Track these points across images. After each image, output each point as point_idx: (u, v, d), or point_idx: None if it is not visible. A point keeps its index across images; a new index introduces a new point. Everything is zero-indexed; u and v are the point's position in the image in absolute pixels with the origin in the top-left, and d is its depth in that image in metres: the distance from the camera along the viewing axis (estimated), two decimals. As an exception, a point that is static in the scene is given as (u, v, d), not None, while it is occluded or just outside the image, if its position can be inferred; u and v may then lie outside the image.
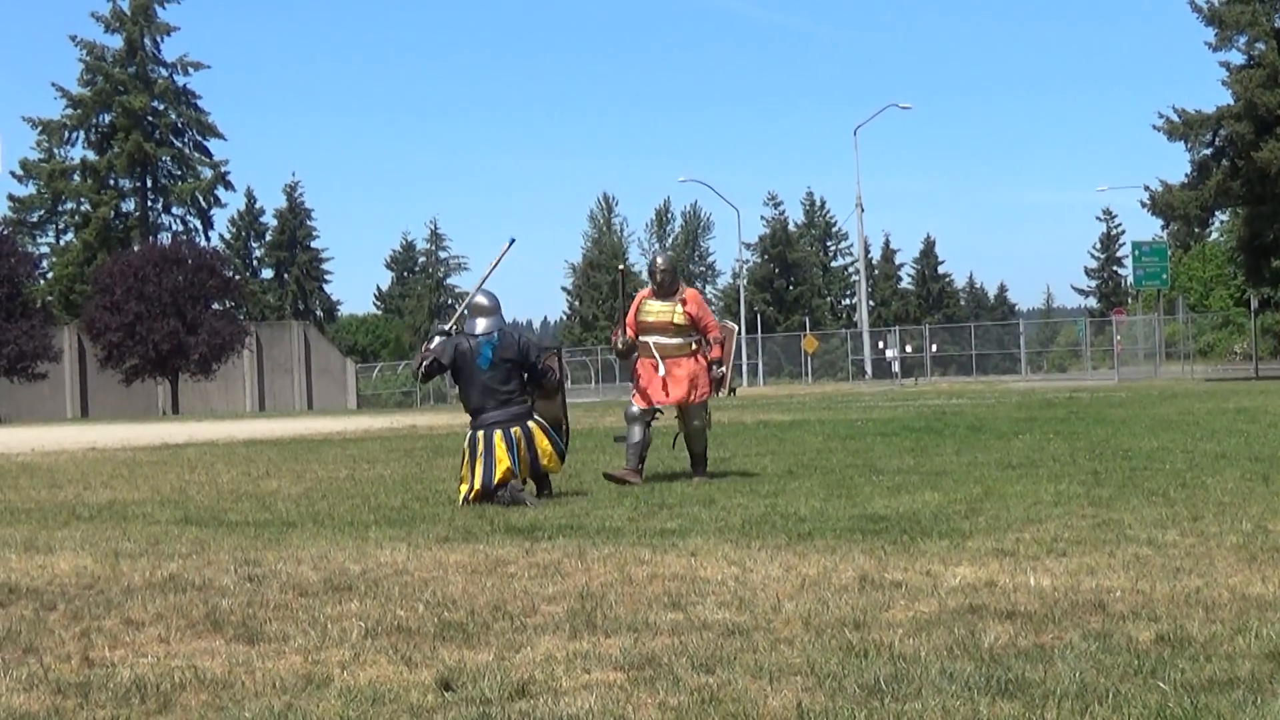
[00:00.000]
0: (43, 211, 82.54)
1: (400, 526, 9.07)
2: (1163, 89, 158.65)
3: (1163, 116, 47.37)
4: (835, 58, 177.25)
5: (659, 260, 12.21)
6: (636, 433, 11.88)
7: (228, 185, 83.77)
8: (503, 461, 10.28)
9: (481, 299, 11.16)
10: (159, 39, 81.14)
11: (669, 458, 13.14)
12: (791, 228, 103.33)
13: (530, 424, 10.62)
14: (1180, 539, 7.30)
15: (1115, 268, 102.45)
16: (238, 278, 72.16)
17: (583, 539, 8.02)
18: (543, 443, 10.62)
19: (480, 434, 10.46)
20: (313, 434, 25.80)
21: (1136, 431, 16.49)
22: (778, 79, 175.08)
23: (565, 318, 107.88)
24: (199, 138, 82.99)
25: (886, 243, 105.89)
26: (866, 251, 79.54)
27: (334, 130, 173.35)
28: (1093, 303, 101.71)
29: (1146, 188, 48.46)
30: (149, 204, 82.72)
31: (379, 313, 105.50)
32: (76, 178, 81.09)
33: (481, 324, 10.99)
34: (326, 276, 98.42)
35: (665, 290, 12.02)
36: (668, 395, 11.88)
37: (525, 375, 10.84)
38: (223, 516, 10.23)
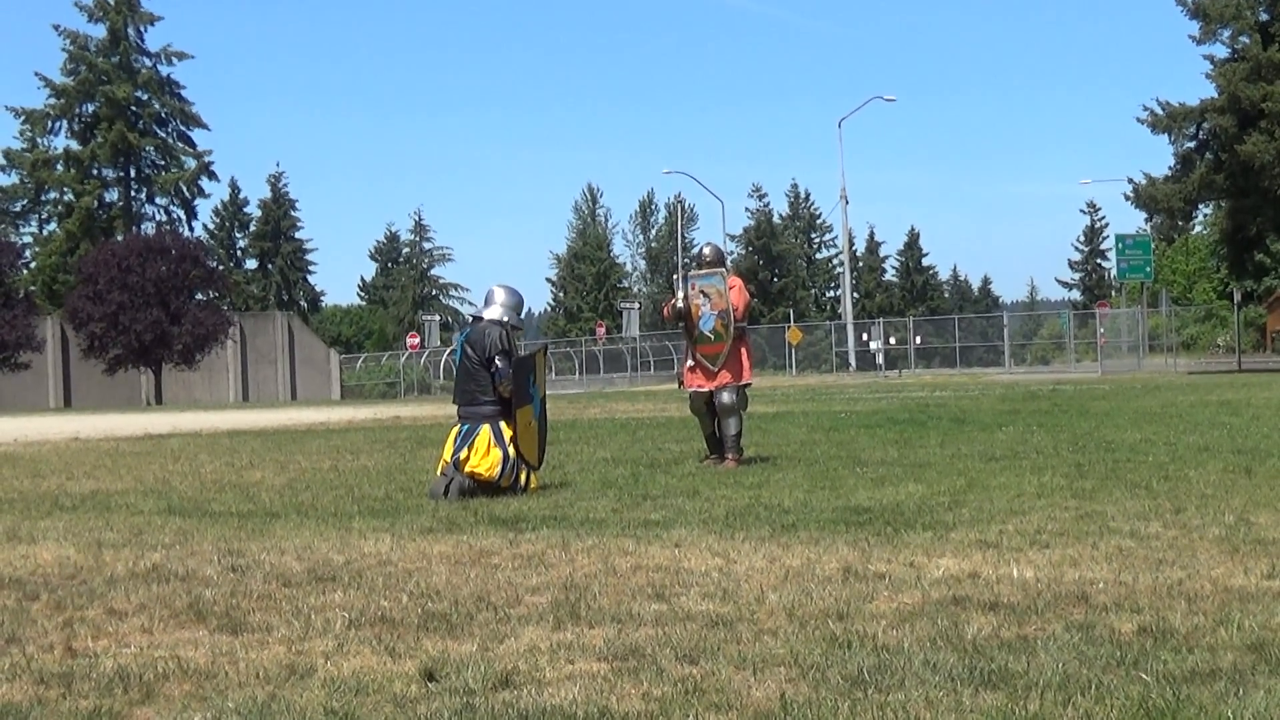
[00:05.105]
0: (26, 201, 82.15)
1: (384, 517, 9.06)
2: (1146, 82, 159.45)
3: (1147, 109, 47.55)
4: (820, 50, 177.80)
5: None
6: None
7: (211, 175, 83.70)
8: (476, 453, 10.23)
9: (499, 288, 10.83)
10: (142, 28, 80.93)
11: (652, 448, 13.12)
12: (776, 220, 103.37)
13: (484, 426, 10.25)
14: (1163, 531, 7.33)
15: (1099, 260, 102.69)
16: (221, 268, 71.94)
17: (566, 530, 8.02)
18: (480, 444, 10.20)
19: (458, 426, 10.51)
20: (296, 425, 25.75)
21: (1120, 424, 16.52)
22: (763, 71, 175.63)
23: (550, 309, 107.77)
24: (182, 128, 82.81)
25: (871, 235, 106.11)
26: (851, 244, 79.56)
27: (318, 120, 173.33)
28: (1076, 295, 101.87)
29: (1130, 180, 48.72)
30: (132, 194, 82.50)
31: (363, 303, 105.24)
32: (60, 167, 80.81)
33: (485, 311, 10.77)
34: (310, 267, 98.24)
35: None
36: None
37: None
38: (206, 507, 10.21)
